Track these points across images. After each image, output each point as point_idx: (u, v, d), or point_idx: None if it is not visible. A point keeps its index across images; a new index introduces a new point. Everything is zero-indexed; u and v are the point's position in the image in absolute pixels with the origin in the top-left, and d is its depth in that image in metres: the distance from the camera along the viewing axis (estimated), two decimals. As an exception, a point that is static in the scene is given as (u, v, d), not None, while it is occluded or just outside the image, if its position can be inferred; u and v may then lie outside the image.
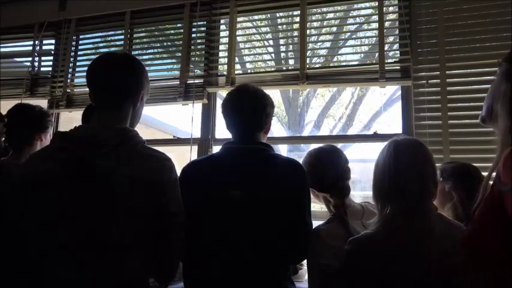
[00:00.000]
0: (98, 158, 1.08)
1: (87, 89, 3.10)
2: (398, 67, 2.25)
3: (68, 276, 1.04)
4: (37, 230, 1.08)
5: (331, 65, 2.47)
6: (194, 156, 2.49)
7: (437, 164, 2.02)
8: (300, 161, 1.52)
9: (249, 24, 2.97)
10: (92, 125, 1.19)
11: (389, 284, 1.08)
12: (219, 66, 2.61)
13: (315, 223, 1.42)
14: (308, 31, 2.45)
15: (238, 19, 2.62)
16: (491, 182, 0.79)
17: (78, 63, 2.99)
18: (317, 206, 2.00)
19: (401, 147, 1.19)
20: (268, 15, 3.55)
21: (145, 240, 1.10)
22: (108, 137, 1.11)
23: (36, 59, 3.04)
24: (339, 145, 1.95)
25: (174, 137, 2.82)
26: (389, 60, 2.31)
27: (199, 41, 2.67)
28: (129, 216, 1.07)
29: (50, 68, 2.99)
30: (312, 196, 1.50)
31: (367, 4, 2.48)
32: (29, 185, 1.11)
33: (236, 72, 2.56)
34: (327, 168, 1.47)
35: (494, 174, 0.78)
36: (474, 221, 0.80)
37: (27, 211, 1.10)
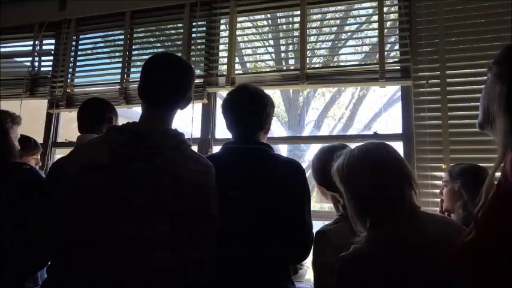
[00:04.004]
0: (154, 157, 1.11)
1: (87, 89, 3.12)
2: (399, 67, 2.25)
3: (101, 271, 1.05)
4: (82, 219, 1.09)
5: (331, 65, 2.47)
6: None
7: (436, 164, 2.05)
8: (301, 160, 1.51)
9: (249, 24, 2.97)
10: (145, 123, 1.21)
11: None
12: (219, 66, 2.61)
13: (315, 223, 1.41)
14: (308, 31, 2.45)
15: (238, 19, 2.62)
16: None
17: (78, 63, 2.99)
18: (317, 206, 2.00)
19: (372, 155, 1.13)
20: (268, 15, 3.55)
21: (188, 240, 1.11)
22: (165, 137, 1.15)
23: (36, 59, 3.05)
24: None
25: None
26: (390, 60, 2.31)
27: (199, 41, 2.67)
28: (175, 216, 1.09)
29: (50, 68, 2.99)
30: (319, 194, 1.49)
31: (367, 4, 2.48)
32: (81, 172, 1.13)
33: (236, 72, 2.56)
34: None
35: (497, 174, 0.78)
36: (479, 223, 0.78)
37: (72, 199, 1.12)
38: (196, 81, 2.54)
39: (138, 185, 1.09)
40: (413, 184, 1.12)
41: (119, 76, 2.77)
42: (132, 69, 2.84)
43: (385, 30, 2.32)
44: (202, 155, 1.25)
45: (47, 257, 1.56)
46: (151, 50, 2.86)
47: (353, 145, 1.23)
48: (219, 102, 2.27)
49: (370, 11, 2.50)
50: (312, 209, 1.40)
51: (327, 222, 1.45)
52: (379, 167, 1.10)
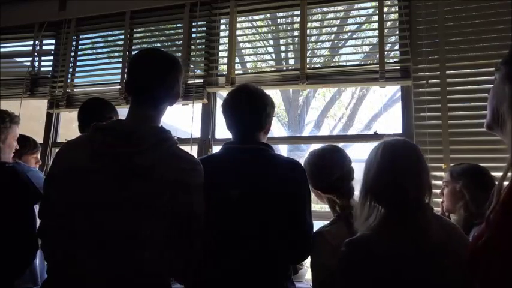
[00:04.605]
0: (135, 156, 1.09)
1: (87, 89, 3.11)
2: (398, 67, 2.25)
3: (89, 265, 1.05)
4: (71, 220, 1.09)
5: (331, 65, 2.47)
6: (194, 156, 2.49)
7: (436, 164, 2.05)
8: (301, 161, 1.51)
9: (249, 24, 2.97)
10: (130, 121, 1.20)
11: (389, 285, 1.08)
12: (219, 66, 2.61)
13: (315, 223, 1.41)
14: (308, 31, 2.45)
15: (238, 19, 2.62)
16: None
17: (78, 63, 3.00)
18: (317, 206, 2.00)
19: (396, 148, 1.18)
20: (268, 15, 3.55)
21: (171, 239, 1.11)
22: (148, 136, 1.13)
23: (36, 59, 3.04)
24: (339, 145, 1.95)
25: (173, 137, 2.82)
26: (390, 60, 2.31)
27: (199, 41, 2.67)
28: (158, 215, 1.08)
29: (50, 68, 2.99)
30: (314, 196, 1.50)
31: (367, 4, 2.48)
32: (62, 172, 1.12)
33: (236, 72, 2.56)
34: (333, 168, 1.45)
35: (509, 175, 0.77)
36: (490, 227, 0.76)
37: (57, 197, 1.12)
38: (196, 81, 2.57)
39: (119, 185, 1.08)
40: (428, 185, 1.16)
41: (118, 76, 2.78)
42: (132, 69, 2.84)
43: (385, 30, 2.32)
44: (189, 152, 1.22)
45: (33, 256, 1.56)
46: (151, 50, 2.86)
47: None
48: (219, 102, 2.27)
49: (370, 11, 2.50)
50: (312, 209, 1.40)
51: (326, 223, 1.46)
52: (400, 161, 1.15)
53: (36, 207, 1.78)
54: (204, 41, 2.65)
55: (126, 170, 1.08)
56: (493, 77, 0.88)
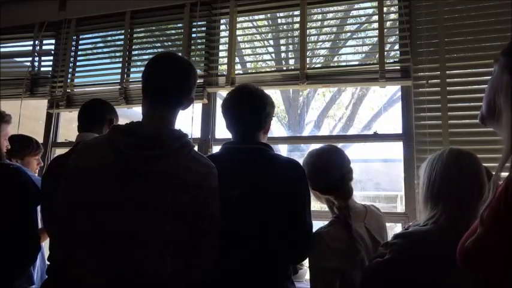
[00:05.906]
0: (160, 159, 1.12)
1: (87, 89, 3.11)
2: (399, 67, 2.25)
3: (97, 265, 1.07)
4: (86, 220, 1.10)
5: (331, 65, 2.47)
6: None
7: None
8: (300, 161, 1.51)
9: (249, 24, 2.97)
10: (149, 124, 1.21)
11: (434, 282, 1.10)
12: (219, 66, 2.61)
13: (315, 223, 1.41)
14: (308, 31, 2.45)
15: (238, 19, 2.62)
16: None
17: (78, 63, 2.99)
18: (317, 206, 2.00)
19: (464, 158, 1.23)
20: (269, 15, 3.54)
21: (187, 240, 1.14)
22: (170, 139, 1.16)
23: (36, 59, 3.04)
24: (339, 145, 1.94)
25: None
26: (390, 60, 2.31)
27: (199, 41, 2.67)
28: (176, 217, 1.11)
29: (50, 68, 2.99)
30: (313, 197, 1.50)
31: (367, 4, 2.48)
32: (85, 172, 1.13)
33: (236, 72, 2.56)
34: (332, 169, 1.46)
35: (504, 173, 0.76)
36: (483, 223, 0.75)
37: (73, 196, 1.13)
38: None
39: (141, 185, 1.10)
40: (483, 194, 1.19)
41: (119, 76, 2.78)
42: (132, 69, 2.84)
43: (385, 30, 2.31)
44: (205, 156, 1.26)
45: (34, 256, 1.57)
46: (151, 50, 2.86)
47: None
48: (219, 102, 2.27)
49: (370, 11, 2.50)
50: (312, 209, 1.41)
51: (326, 223, 1.46)
52: (472, 175, 1.20)
53: (37, 208, 1.77)
54: (204, 41, 2.65)
55: (147, 172, 1.10)
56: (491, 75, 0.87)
